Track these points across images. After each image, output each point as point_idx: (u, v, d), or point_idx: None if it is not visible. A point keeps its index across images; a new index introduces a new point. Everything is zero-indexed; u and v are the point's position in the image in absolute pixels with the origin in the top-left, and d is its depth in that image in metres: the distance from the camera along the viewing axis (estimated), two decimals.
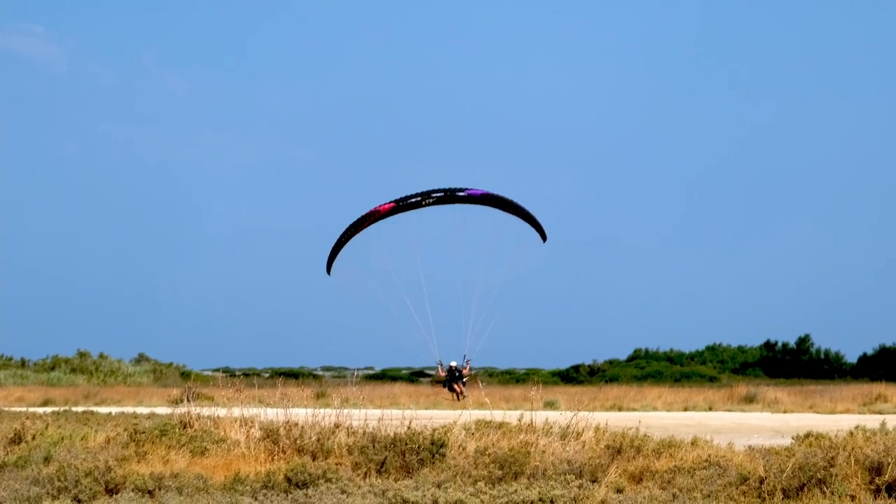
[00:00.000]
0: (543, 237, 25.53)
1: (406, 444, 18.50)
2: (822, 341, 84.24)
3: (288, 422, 19.83)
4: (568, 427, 20.25)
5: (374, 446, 18.68)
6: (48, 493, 16.59)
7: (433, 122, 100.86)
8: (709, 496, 16.41)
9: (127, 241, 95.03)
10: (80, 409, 43.67)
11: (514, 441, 19.32)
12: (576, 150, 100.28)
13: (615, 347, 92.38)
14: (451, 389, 27.57)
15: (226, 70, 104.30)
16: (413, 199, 24.76)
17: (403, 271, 24.02)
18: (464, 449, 18.87)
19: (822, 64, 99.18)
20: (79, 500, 16.57)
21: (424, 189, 24.93)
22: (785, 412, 48.90)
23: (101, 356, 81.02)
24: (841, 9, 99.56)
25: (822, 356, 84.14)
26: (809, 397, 54.51)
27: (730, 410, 50.50)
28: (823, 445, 17.68)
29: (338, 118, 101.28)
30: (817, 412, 48.70)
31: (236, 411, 21.10)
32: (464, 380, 27.54)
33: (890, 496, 16.22)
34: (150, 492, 16.72)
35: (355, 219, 25.04)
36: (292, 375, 74.27)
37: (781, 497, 16.25)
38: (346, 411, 20.32)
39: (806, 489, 16.29)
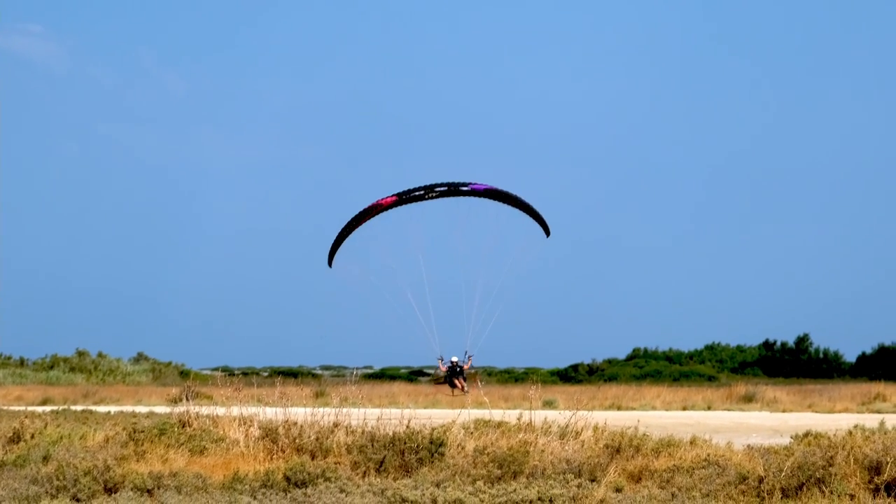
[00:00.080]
0: (547, 232, 25.50)
1: (405, 443, 18.50)
2: (821, 341, 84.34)
3: (287, 421, 19.83)
4: (567, 426, 20.25)
5: (372, 445, 18.67)
6: (47, 492, 16.58)
7: (434, 121, 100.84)
8: (707, 495, 16.40)
9: (126, 240, 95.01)
10: (78, 408, 43.64)
11: (512, 440, 19.32)
12: (575, 149, 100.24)
13: (614, 347, 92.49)
14: (452, 385, 27.47)
15: (225, 69, 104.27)
16: (416, 193, 24.70)
17: (405, 265, 23.96)
18: (463, 448, 18.86)
19: (822, 64, 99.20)
20: (77, 499, 16.56)
21: (427, 183, 24.86)
22: (784, 411, 48.92)
23: (100, 355, 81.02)
24: (849, 7, 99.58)
25: (821, 355, 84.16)
26: (808, 397, 54.53)
27: (729, 410, 50.51)
28: (822, 445, 17.69)
29: (338, 117, 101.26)
30: (816, 411, 48.73)
31: (235, 410, 21.10)
32: (464, 376, 27.47)
33: (889, 495, 16.22)
34: (148, 491, 16.71)
35: (357, 212, 24.99)
36: (291, 374, 74.21)
37: (780, 496, 16.25)
38: (344, 410, 20.31)
39: (805, 488, 16.29)
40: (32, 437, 21.68)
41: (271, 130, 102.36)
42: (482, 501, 15.94)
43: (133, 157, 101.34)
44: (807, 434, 22.46)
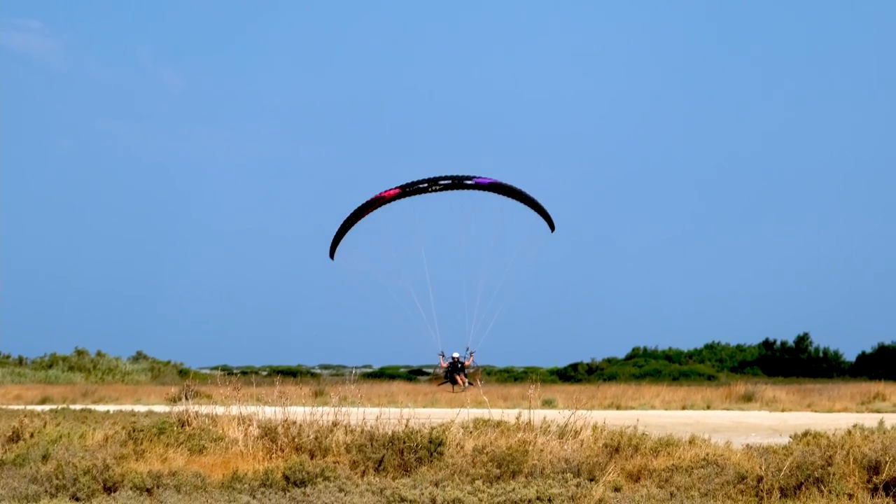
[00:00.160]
0: (552, 227, 25.41)
1: (404, 442, 18.50)
2: (821, 340, 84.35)
3: (286, 420, 19.83)
4: (566, 426, 20.25)
5: (372, 445, 18.67)
6: (46, 492, 16.58)
7: (434, 120, 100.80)
8: (706, 495, 16.41)
9: (125, 239, 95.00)
10: (77, 407, 43.66)
11: (512, 440, 19.31)
12: (575, 148, 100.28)
13: (613, 346, 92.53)
14: (454, 382, 27.32)
15: (223, 65, 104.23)
16: (420, 186, 24.59)
17: (408, 259, 23.89)
18: (462, 447, 18.87)
19: (821, 64, 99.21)
20: (77, 499, 16.56)
21: (431, 176, 24.72)
22: (783, 411, 48.91)
23: (99, 354, 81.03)
24: (850, 8, 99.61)
25: (821, 355, 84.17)
26: (808, 396, 54.51)
27: (728, 409, 50.50)
28: (821, 444, 17.70)
29: (338, 114, 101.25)
30: (815, 411, 48.72)
31: (234, 409, 21.10)
32: (465, 372, 27.35)
33: (888, 495, 16.23)
34: (148, 490, 16.71)
35: (360, 204, 24.88)
36: (290, 374, 74.24)
37: (779, 496, 16.26)
38: (344, 409, 20.31)
39: (804, 488, 16.29)
40: (32, 436, 21.68)
41: (270, 128, 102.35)
42: (481, 501, 15.95)
43: (131, 154, 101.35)
44: (806, 433, 22.46)
